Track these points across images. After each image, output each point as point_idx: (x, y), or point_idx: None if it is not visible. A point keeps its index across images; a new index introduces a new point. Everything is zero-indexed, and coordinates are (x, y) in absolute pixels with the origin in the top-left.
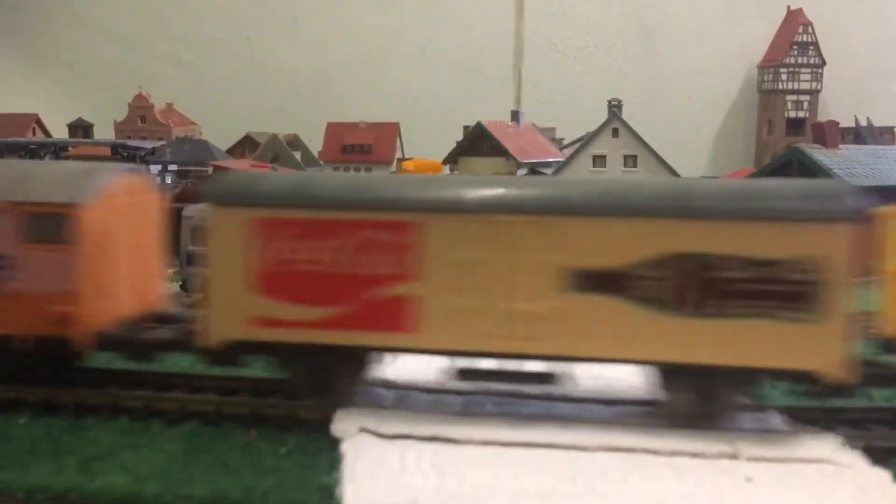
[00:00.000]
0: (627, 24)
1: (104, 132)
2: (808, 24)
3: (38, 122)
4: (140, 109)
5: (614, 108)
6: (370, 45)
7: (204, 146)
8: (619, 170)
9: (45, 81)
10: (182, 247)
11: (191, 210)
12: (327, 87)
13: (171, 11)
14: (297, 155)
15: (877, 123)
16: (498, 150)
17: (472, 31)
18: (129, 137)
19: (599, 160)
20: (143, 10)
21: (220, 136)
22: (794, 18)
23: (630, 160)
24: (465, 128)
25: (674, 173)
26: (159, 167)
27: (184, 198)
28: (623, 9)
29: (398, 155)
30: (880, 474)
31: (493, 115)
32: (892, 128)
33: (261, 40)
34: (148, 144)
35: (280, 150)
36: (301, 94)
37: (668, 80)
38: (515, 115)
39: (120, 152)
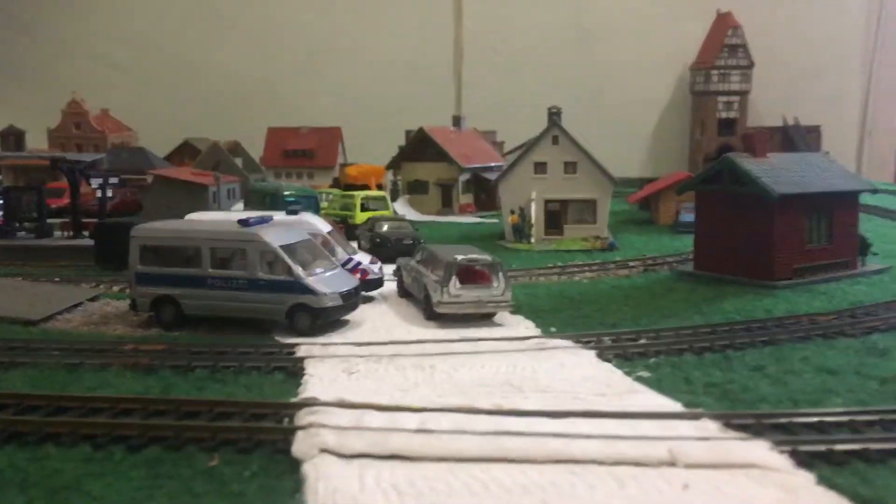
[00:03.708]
0: (565, 26)
1: (37, 139)
2: (737, 27)
3: None
4: (74, 116)
5: (554, 115)
6: (310, 49)
7: (142, 154)
8: (559, 176)
9: None
10: (130, 266)
11: (139, 229)
12: (267, 91)
13: (107, 12)
14: (239, 161)
15: (804, 122)
16: (441, 155)
17: (412, 35)
18: (64, 145)
19: (540, 167)
20: (77, 10)
21: (158, 142)
22: (724, 21)
23: (570, 167)
24: (408, 132)
25: (611, 179)
26: (100, 180)
27: (123, 207)
28: (561, 12)
29: (341, 160)
30: (805, 476)
31: (435, 117)
32: (818, 126)
33: (199, 42)
34: (87, 157)
35: (221, 157)
36: (240, 98)
37: (605, 81)
38: (457, 121)
39: (59, 166)
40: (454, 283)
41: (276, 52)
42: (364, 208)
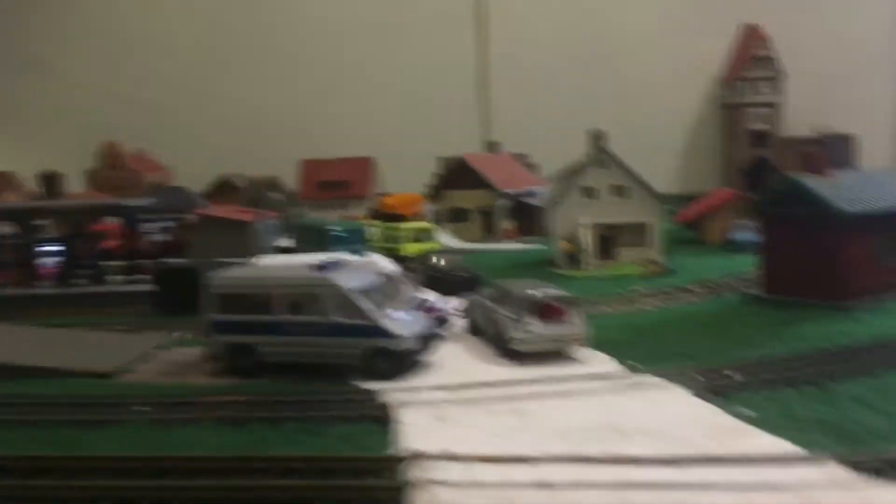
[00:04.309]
0: (589, 46)
1: (75, 181)
2: (765, 39)
3: (10, 181)
4: (111, 157)
5: (598, 139)
6: (335, 80)
7: (183, 193)
8: (609, 200)
9: (10, 133)
10: (206, 314)
11: (214, 278)
12: (296, 123)
13: (133, 54)
14: (278, 196)
15: (837, 130)
16: (480, 182)
17: (436, 60)
18: (101, 187)
19: (589, 192)
20: (105, 54)
21: (193, 179)
22: (751, 33)
23: (619, 190)
24: (441, 159)
25: (662, 201)
26: (155, 225)
27: (173, 249)
28: (584, 31)
29: (374, 189)
30: None
31: (464, 142)
32: (852, 135)
33: (227, 78)
34: (142, 202)
35: (260, 192)
36: (271, 131)
37: (632, 97)
38: (494, 146)
39: (117, 213)
40: (530, 320)
41: (301, 83)
42: (413, 240)
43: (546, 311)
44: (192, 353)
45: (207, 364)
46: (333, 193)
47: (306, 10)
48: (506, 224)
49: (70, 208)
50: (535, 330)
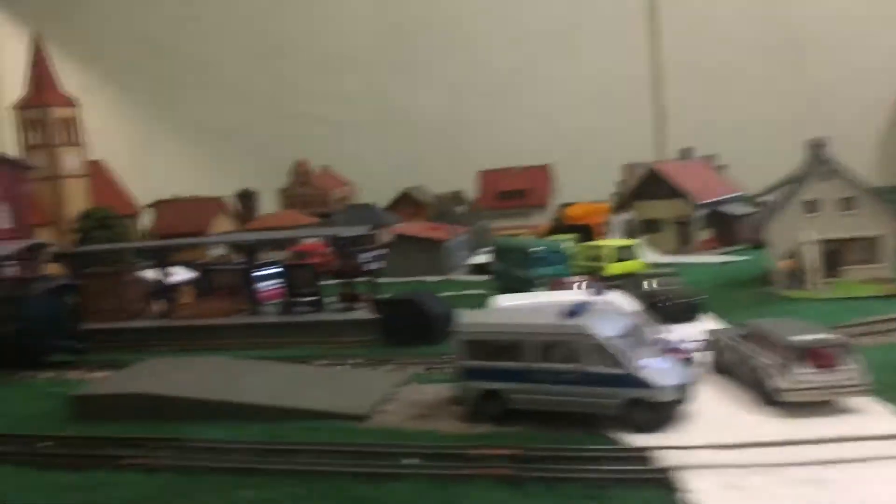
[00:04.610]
0: (771, 37)
1: (267, 198)
2: None
3: (220, 205)
4: (300, 175)
5: (819, 148)
6: (505, 87)
7: (372, 211)
8: (835, 213)
9: (214, 156)
10: (456, 361)
11: (463, 325)
12: (472, 132)
13: (307, 71)
14: (462, 209)
15: None
16: (673, 191)
17: (608, 61)
18: (293, 204)
19: (811, 205)
20: (280, 72)
21: (372, 192)
22: None
23: (845, 203)
24: (625, 166)
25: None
26: (368, 255)
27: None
28: (765, 22)
29: (553, 198)
30: None
31: (639, 145)
32: None
33: (402, 91)
34: (358, 230)
35: (445, 207)
36: (446, 141)
37: (820, 90)
38: (686, 152)
39: (336, 244)
40: (800, 368)
41: (471, 91)
42: (619, 259)
43: (816, 357)
44: (432, 391)
45: (453, 407)
46: (512, 203)
47: (481, 20)
48: (703, 234)
49: (286, 239)
50: (806, 379)
